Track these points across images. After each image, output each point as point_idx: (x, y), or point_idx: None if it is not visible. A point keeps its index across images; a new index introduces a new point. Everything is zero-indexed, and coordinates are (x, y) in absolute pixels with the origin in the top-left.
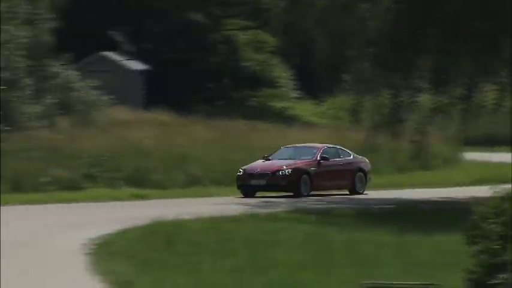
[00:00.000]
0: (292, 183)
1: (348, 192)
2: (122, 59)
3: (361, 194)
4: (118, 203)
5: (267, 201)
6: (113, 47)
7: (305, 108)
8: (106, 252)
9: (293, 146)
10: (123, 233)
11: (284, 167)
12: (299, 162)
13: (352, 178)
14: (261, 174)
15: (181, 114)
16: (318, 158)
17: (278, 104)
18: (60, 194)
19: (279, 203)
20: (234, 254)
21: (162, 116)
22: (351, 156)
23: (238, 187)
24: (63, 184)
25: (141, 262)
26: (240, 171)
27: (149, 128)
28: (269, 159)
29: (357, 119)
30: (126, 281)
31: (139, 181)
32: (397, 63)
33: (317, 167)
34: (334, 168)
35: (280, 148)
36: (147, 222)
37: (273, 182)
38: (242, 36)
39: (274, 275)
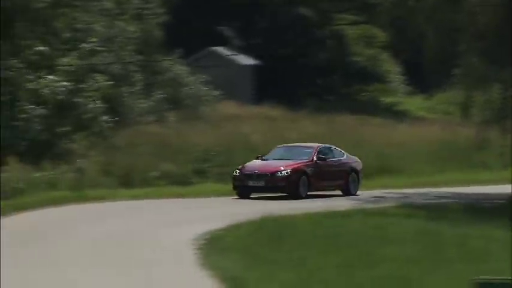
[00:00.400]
0: (291, 184)
1: (340, 193)
2: (231, 54)
3: (354, 195)
4: (227, 198)
5: (375, 196)
6: (223, 42)
7: (414, 103)
8: (215, 247)
9: (287, 146)
10: (233, 229)
11: (282, 168)
12: (297, 163)
13: (346, 179)
14: (259, 175)
15: (290, 109)
16: (315, 158)
17: (387, 99)
18: (170, 189)
19: (387, 198)
20: (342, 249)
21: (271, 110)
22: (344, 156)
23: (235, 188)
24: (173, 179)
25: (250, 257)
26: (236, 172)
27: (258, 123)
28: (264, 159)
29: (467, 114)
30: (234, 277)
31: None
32: (506, 57)
33: (314, 167)
34: (330, 169)
35: (275, 148)
36: (256, 218)
37: (271, 183)
38: (351, 31)
39: (383, 270)
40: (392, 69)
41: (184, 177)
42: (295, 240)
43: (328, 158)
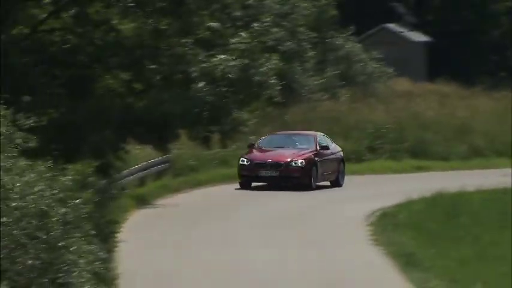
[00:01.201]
0: (305, 175)
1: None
2: (404, 30)
3: (341, 186)
4: (400, 175)
5: None
6: (396, 19)
7: None
8: (388, 224)
9: (284, 133)
10: (406, 205)
11: (296, 157)
12: (306, 152)
13: (338, 169)
14: (273, 165)
15: (463, 86)
16: (318, 148)
17: None
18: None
19: None
20: None
21: (443, 87)
22: (333, 145)
23: (242, 177)
24: (346, 155)
25: (424, 234)
26: (244, 161)
27: (430, 100)
28: (261, 147)
29: None
30: (408, 253)
31: (422, 153)
32: None
33: (319, 157)
34: (329, 158)
35: (268, 135)
36: (430, 194)
37: (286, 173)
38: None
39: None
40: None
41: (358, 153)
42: (469, 216)
43: (327, 148)
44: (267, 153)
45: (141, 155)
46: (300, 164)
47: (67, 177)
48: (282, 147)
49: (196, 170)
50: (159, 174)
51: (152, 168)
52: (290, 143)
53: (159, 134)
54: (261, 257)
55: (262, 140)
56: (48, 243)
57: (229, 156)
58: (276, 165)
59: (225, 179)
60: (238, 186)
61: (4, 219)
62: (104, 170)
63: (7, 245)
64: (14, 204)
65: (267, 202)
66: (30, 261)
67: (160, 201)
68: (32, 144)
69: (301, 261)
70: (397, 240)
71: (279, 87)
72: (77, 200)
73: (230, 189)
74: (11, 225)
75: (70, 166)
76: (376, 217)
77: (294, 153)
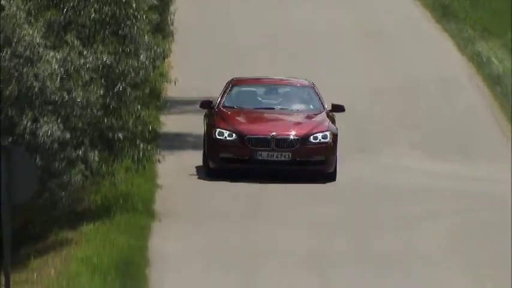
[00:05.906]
0: (331, 159)
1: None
2: None
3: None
4: None
5: None
6: None
7: None
8: None
9: (260, 83)
10: None
11: (315, 128)
12: (322, 119)
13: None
14: (280, 141)
15: None
16: (329, 108)
17: None
18: None
19: None
20: None
21: None
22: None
23: (222, 161)
24: None
25: None
26: (222, 134)
27: None
28: (229, 107)
29: None
30: (444, 5)
31: None
32: None
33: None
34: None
35: (231, 86)
36: None
37: (303, 156)
38: None
39: None
40: None
41: None
42: None
43: (340, 108)
44: (261, 121)
45: None
46: (323, 140)
47: None
48: (270, 108)
49: None
50: None
51: None
52: (279, 101)
53: None
54: (303, 14)
55: (227, 95)
56: None
57: None
58: (284, 141)
59: None
60: None
61: None
62: None
63: None
64: None
65: None
66: (93, 15)
67: None
68: None
69: (338, 12)
70: None
71: None
72: None
73: None
74: None
75: None
76: None
77: (309, 122)
